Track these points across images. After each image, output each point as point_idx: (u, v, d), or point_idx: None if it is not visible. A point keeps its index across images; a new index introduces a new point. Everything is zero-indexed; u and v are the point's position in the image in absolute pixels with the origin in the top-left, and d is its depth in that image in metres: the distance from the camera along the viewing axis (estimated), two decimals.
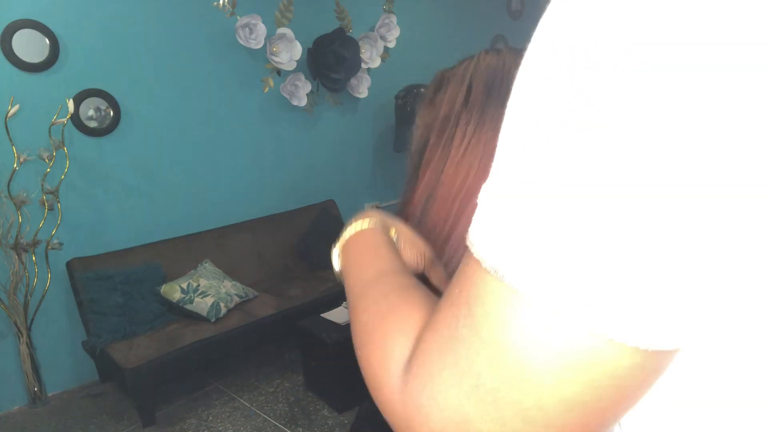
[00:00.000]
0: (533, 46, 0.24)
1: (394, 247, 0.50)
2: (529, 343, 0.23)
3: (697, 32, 0.20)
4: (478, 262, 0.25)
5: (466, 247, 0.26)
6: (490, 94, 0.56)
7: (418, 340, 0.29)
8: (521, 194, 0.23)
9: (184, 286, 2.51)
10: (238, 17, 2.95)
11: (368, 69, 3.58)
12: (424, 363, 0.27)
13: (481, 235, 0.25)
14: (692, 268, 0.21)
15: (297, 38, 3.15)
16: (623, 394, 0.24)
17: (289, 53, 3.15)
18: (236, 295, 2.61)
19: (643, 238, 0.21)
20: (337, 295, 2.72)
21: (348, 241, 0.52)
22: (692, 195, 0.20)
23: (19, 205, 2.30)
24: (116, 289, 2.42)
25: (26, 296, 2.38)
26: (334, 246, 0.53)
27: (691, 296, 0.22)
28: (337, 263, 0.53)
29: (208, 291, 2.52)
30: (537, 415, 0.24)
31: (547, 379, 0.23)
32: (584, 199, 0.22)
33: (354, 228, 0.51)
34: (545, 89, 0.23)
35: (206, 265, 2.72)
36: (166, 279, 2.59)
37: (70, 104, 2.36)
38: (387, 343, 0.32)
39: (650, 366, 0.23)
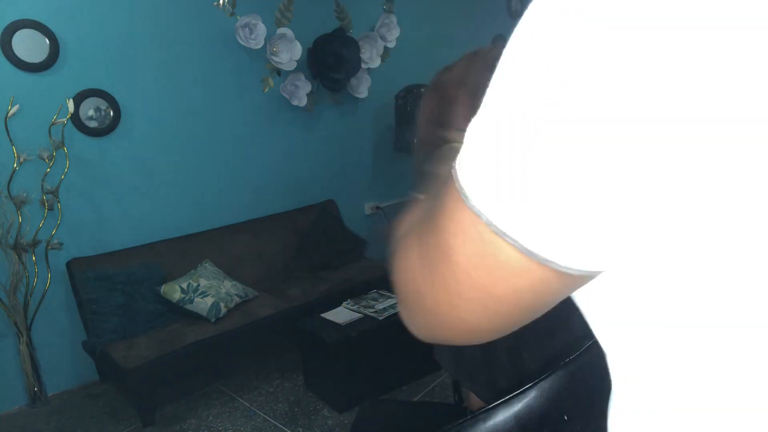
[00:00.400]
0: (528, 11, 0.29)
1: None
2: (459, 232, 0.30)
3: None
4: (453, 177, 0.31)
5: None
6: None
7: (409, 225, 0.38)
8: (488, 132, 0.28)
9: (184, 286, 2.51)
10: (238, 17, 2.95)
11: (368, 69, 3.58)
12: (405, 239, 0.38)
13: (461, 159, 0.30)
14: (613, 201, 0.25)
15: (297, 38, 3.15)
16: (518, 296, 0.30)
17: (289, 53, 3.15)
18: (236, 295, 2.61)
19: (567, 176, 0.25)
20: (337, 295, 2.72)
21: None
22: (606, 137, 0.24)
23: (19, 205, 2.30)
24: (116, 289, 2.42)
25: (26, 296, 2.38)
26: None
27: (599, 225, 0.26)
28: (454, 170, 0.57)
29: (208, 291, 2.52)
30: (453, 286, 0.32)
31: (462, 261, 0.30)
32: (531, 137, 0.26)
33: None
34: (533, 47, 0.28)
35: (206, 265, 2.72)
36: (166, 279, 2.59)
37: (70, 104, 2.36)
38: (405, 218, 0.43)
39: (552, 283, 0.29)
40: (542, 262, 0.28)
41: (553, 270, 0.28)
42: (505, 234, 0.27)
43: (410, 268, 0.35)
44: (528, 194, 0.26)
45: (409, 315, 0.38)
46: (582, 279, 0.30)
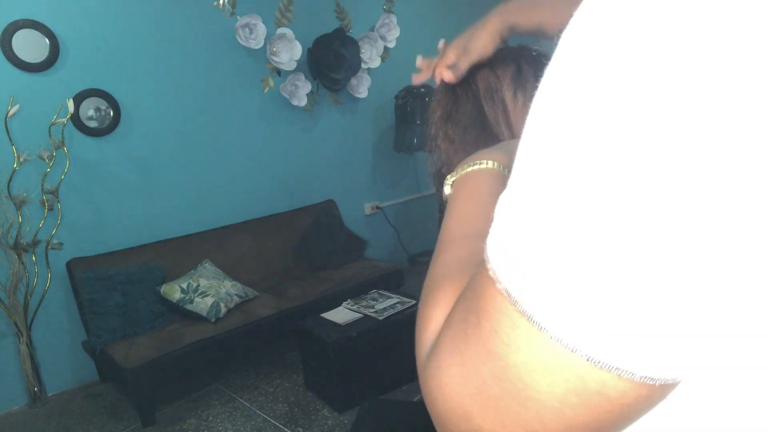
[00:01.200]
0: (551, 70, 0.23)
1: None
2: (536, 367, 0.23)
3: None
4: (491, 277, 0.24)
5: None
6: (537, 78, 0.62)
7: (443, 329, 0.29)
8: (536, 212, 0.22)
9: (184, 286, 2.51)
10: (238, 17, 2.96)
11: (368, 69, 3.58)
12: (437, 354, 0.28)
13: (496, 251, 0.24)
14: (701, 303, 0.20)
15: (297, 38, 3.15)
16: (626, 418, 0.24)
17: (289, 53, 3.16)
18: (236, 295, 2.61)
19: (651, 273, 0.20)
20: (337, 295, 2.72)
21: (463, 177, 0.49)
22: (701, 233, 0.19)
23: (19, 205, 2.30)
24: (116, 289, 2.42)
25: (26, 296, 2.38)
26: (452, 174, 0.51)
27: (700, 330, 0.21)
28: (447, 189, 0.51)
29: (208, 291, 2.52)
30: (537, 427, 0.24)
31: (549, 402, 0.23)
32: (599, 224, 0.20)
33: (475, 165, 0.48)
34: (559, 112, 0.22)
35: (206, 265, 2.72)
36: (166, 279, 2.59)
37: (70, 104, 2.36)
38: (427, 317, 0.33)
39: (655, 396, 0.24)
40: (663, 384, 0.23)
41: (668, 385, 0.23)
42: (619, 369, 0.22)
43: (458, 404, 0.27)
44: (642, 310, 0.20)
45: None
46: (660, 396, 0.25)
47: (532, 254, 0.22)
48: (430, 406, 0.29)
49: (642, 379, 0.22)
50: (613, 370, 0.22)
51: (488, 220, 0.32)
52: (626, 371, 0.22)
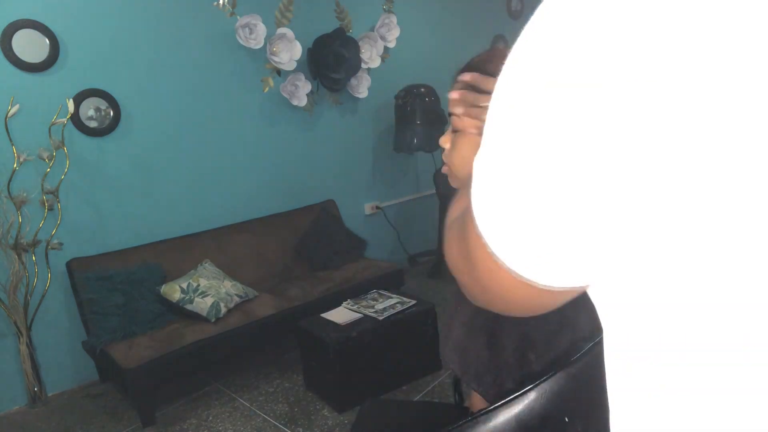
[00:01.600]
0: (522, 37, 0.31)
1: None
2: (477, 248, 0.36)
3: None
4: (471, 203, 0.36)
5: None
6: None
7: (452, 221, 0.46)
8: (491, 165, 0.33)
9: (184, 286, 2.51)
10: (238, 17, 2.95)
11: (368, 69, 3.58)
12: (449, 232, 0.46)
13: (474, 192, 0.35)
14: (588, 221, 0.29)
15: (297, 38, 3.15)
16: (525, 298, 0.37)
17: (289, 53, 3.15)
18: (236, 295, 2.61)
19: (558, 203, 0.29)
20: (337, 295, 2.72)
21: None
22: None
23: (19, 205, 2.30)
24: (116, 289, 2.42)
25: (26, 296, 2.38)
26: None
27: (584, 244, 0.30)
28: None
29: (208, 291, 2.52)
30: (483, 286, 0.40)
31: (482, 272, 0.38)
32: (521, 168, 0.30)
33: None
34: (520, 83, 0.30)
35: (206, 265, 2.72)
36: (166, 279, 2.59)
37: (70, 104, 2.36)
38: (452, 212, 0.51)
39: (541, 294, 0.35)
40: (528, 283, 0.34)
41: (552, 290, 0.34)
42: (501, 261, 0.34)
43: (456, 260, 0.44)
44: (519, 225, 0.31)
45: (464, 292, 0.47)
46: (570, 292, 0.35)
47: (486, 194, 0.34)
48: (447, 260, 0.47)
49: (525, 280, 0.33)
50: (509, 270, 0.34)
51: None
52: (515, 272, 0.33)
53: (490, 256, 0.35)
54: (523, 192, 0.30)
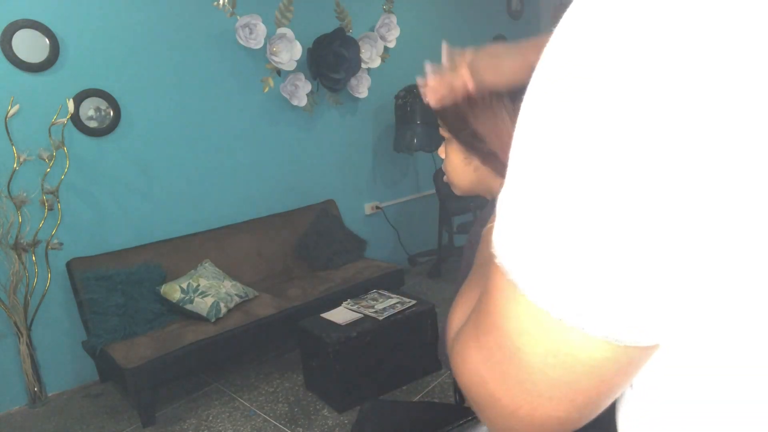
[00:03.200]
0: (546, 57, 0.27)
1: None
2: (523, 331, 0.28)
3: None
4: (496, 263, 0.30)
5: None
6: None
7: (470, 312, 0.36)
8: (524, 206, 0.27)
9: (184, 286, 2.51)
10: (238, 17, 2.95)
11: (368, 69, 3.58)
12: (461, 335, 0.35)
13: (500, 242, 0.29)
14: (667, 273, 0.24)
15: (297, 38, 3.15)
16: (601, 381, 0.28)
17: (289, 53, 3.15)
18: (236, 295, 2.61)
19: (621, 243, 0.24)
20: (337, 295, 2.72)
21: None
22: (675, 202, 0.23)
23: (19, 205, 2.30)
24: (116, 289, 2.42)
25: (26, 296, 2.38)
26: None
27: (662, 298, 0.24)
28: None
29: (208, 291, 2.52)
30: (531, 387, 0.29)
31: (535, 362, 0.28)
32: (574, 207, 0.25)
33: None
34: (553, 105, 0.25)
35: (206, 265, 2.72)
36: (166, 279, 2.59)
37: (70, 104, 2.36)
38: (454, 312, 0.43)
39: (623, 359, 0.27)
40: (632, 345, 0.26)
41: (639, 348, 0.27)
42: (583, 328, 0.26)
43: (476, 372, 0.32)
44: (604, 278, 0.24)
45: (488, 419, 0.34)
46: (657, 346, 0.28)
47: (520, 237, 0.27)
48: (458, 380, 0.36)
49: (604, 339, 0.26)
50: (577, 329, 0.26)
51: None
52: (588, 330, 0.26)
53: (547, 340, 0.27)
54: (590, 228, 0.24)
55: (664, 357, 0.29)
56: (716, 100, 0.21)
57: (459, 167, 0.84)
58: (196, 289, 2.51)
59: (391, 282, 2.96)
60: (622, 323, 0.25)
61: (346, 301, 2.48)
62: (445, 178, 0.89)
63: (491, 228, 0.54)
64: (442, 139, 0.88)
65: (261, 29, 3.00)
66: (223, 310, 2.50)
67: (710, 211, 0.22)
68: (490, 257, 0.31)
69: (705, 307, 0.25)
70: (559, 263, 0.25)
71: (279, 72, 3.19)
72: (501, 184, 0.30)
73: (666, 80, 0.22)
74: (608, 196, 0.23)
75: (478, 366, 0.32)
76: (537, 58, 0.27)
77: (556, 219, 0.25)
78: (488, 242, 0.52)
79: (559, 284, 0.26)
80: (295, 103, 3.24)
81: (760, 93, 0.21)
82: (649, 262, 0.24)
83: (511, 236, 0.28)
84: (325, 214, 3.31)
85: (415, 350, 2.36)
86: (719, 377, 0.28)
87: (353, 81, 3.48)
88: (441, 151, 0.88)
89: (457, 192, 0.89)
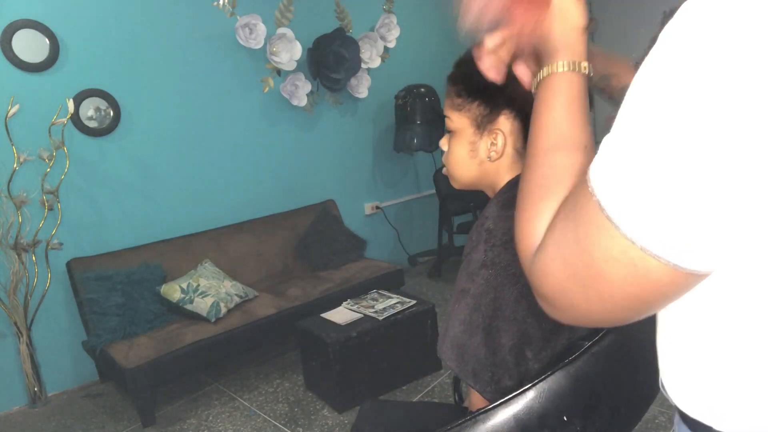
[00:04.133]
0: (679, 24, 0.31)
1: (581, 107, 0.53)
2: (609, 258, 0.35)
3: None
4: (589, 193, 0.36)
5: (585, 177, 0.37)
6: None
7: (547, 232, 0.43)
8: (627, 148, 0.33)
9: (184, 286, 2.51)
10: (238, 17, 2.96)
11: (368, 69, 3.58)
12: (545, 251, 0.42)
13: (596, 172, 0.36)
14: (731, 222, 0.30)
15: (297, 38, 3.15)
16: (665, 298, 0.36)
17: (289, 53, 3.16)
18: (236, 295, 2.61)
19: (701, 196, 0.30)
20: (337, 295, 2.72)
21: (545, 82, 0.54)
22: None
23: (19, 205, 2.30)
24: (116, 289, 2.42)
25: (26, 296, 2.38)
26: (541, 68, 0.55)
27: (726, 239, 0.31)
28: (533, 85, 0.57)
29: (208, 291, 2.52)
30: (609, 300, 0.37)
31: (617, 282, 0.36)
32: (661, 169, 0.31)
33: (558, 66, 0.53)
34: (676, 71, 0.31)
35: (206, 265, 2.72)
36: (166, 279, 2.59)
37: (70, 104, 2.36)
38: (532, 223, 0.47)
39: (683, 282, 0.34)
40: (692, 272, 0.33)
41: (698, 274, 0.34)
42: (660, 257, 0.33)
43: (559, 284, 0.40)
44: (679, 214, 0.31)
45: (557, 312, 0.43)
46: (693, 283, 0.35)
47: (619, 175, 0.34)
48: (538, 291, 0.43)
49: (674, 266, 0.33)
50: (654, 257, 0.33)
51: (570, 128, 0.51)
52: (664, 258, 0.33)
53: (629, 266, 0.34)
54: (678, 166, 0.30)
55: (714, 287, 0.37)
56: None
57: (463, 160, 0.84)
58: (196, 289, 2.51)
59: (391, 282, 2.96)
60: (692, 254, 0.32)
61: (346, 301, 2.48)
62: (444, 170, 0.89)
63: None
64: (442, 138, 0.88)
65: (261, 29, 3.00)
66: (223, 310, 2.50)
67: None
68: (582, 186, 0.37)
69: (759, 245, 0.33)
70: (649, 201, 0.32)
71: (279, 72, 3.19)
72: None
73: None
74: (698, 153, 0.29)
75: (563, 280, 0.39)
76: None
77: (652, 164, 0.31)
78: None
79: (648, 219, 0.32)
80: (295, 103, 3.24)
81: None
82: (720, 211, 0.30)
83: (610, 173, 0.34)
84: (325, 214, 3.31)
85: (415, 350, 2.36)
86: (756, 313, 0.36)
87: (353, 81, 3.48)
88: (443, 143, 0.88)
89: (456, 185, 0.89)
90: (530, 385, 0.67)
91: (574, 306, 0.40)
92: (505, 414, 0.66)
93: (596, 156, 0.37)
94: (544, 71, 0.54)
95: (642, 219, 0.32)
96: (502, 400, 0.67)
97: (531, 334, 0.73)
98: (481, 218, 0.82)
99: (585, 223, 0.37)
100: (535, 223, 0.46)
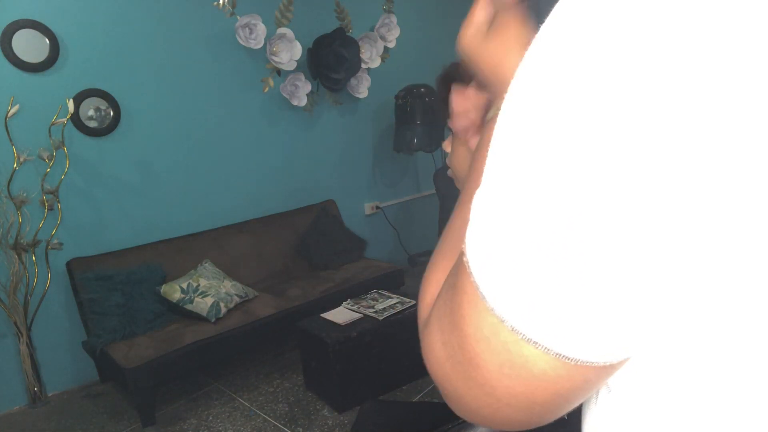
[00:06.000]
0: (531, 52, 0.25)
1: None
2: (480, 337, 0.27)
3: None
4: (464, 262, 0.29)
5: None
6: None
7: (435, 300, 0.35)
8: (495, 209, 0.26)
9: (184, 286, 2.51)
10: (238, 17, 2.95)
11: (368, 69, 3.58)
12: (429, 325, 0.34)
13: (469, 242, 0.28)
14: (632, 298, 0.23)
15: (297, 38, 3.15)
16: (556, 395, 0.27)
17: (289, 53, 3.15)
18: (236, 295, 2.61)
19: (586, 266, 0.23)
20: (337, 295, 2.72)
21: (490, 125, 0.49)
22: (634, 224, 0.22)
23: (19, 205, 2.30)
24: (116, 289, 2.41)
25: (26, 296, 2.38)
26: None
27: (623, 321, 0.24)
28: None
29: (208, 291, 2.52)
30: (490, 392, 0.28)
31: (492, 370, 0.27)
32: (532, 228, 0.24)
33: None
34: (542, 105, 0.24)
35: (206, 265, 2.72)
36: (166, 279, 2.59)
37: (70, 104, 2.36)
38: (424, 291, 0.39)
39: (577, 377, 0.26)
40: (585, 363, 0.25)
41: (595, 367, 0.25)
42: (536, 343, 0.25)
43: (441, 367, 0.32)
44: (558, 294, 0.24)
45: (449, 403, 0.34)
46: (621, 363, 0.27)
47: (487, 240, 0.26)
48: (427, 367, 0.35)
49: (557, 356, 0.25)
50: (531, 343, 0.25)
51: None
52: (542, 345, 0.25)
53: (503, 352, 0.26)
54: (563, 236, 0.23)
55: (641, 363, 0.28)
56: (714, 103, 0.20)
57: (467, 162, 0.84)
58: (196, 289, 2.51)
59: (391, 282, 2.96)
60: (576, 343, 0.24)
61: (346, 301, 2.48)
62: (449, 172, 0.89)
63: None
64: (442, 138, 0.88)
65: (261, 29, 3.00)
66: (223, 310, 2.50)
67: (694, 227, 0.21)
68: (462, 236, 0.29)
69: (674, 323, 0.24)
70: (520, 274, 0.24)
71: (279, 72, 3.19)
72: None
73: (662, 81, 0.21)
74: (579, 217, 0.22)
75: (443, 362, 0.31)
76: None
77: (523, 228, 0.24)
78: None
79: (518, 295, 0.25)
80: (295, 103, 3.24)
81: (761, 95, 0.20)
82: (614, 287, 0.23)
83: (479, 237, 0.27)
84: (325, 214, 3.31)
85: (415, 350, 2.32)
86: (694, 385, 0.27)
87: (353, 81, 3.48)
88: (446, 145, 0.88)
89: (461, 187, 0.89)
90: None
91: (460, 397, 0.31)
92: None
93: (470, 221, 0.30)
94: (490, 113, 0.48)
95: (509, 291, 0.25)
96: None
97: None
98: None
99: (459, 291, 0.29)
100: (426, 289, 0.39)
